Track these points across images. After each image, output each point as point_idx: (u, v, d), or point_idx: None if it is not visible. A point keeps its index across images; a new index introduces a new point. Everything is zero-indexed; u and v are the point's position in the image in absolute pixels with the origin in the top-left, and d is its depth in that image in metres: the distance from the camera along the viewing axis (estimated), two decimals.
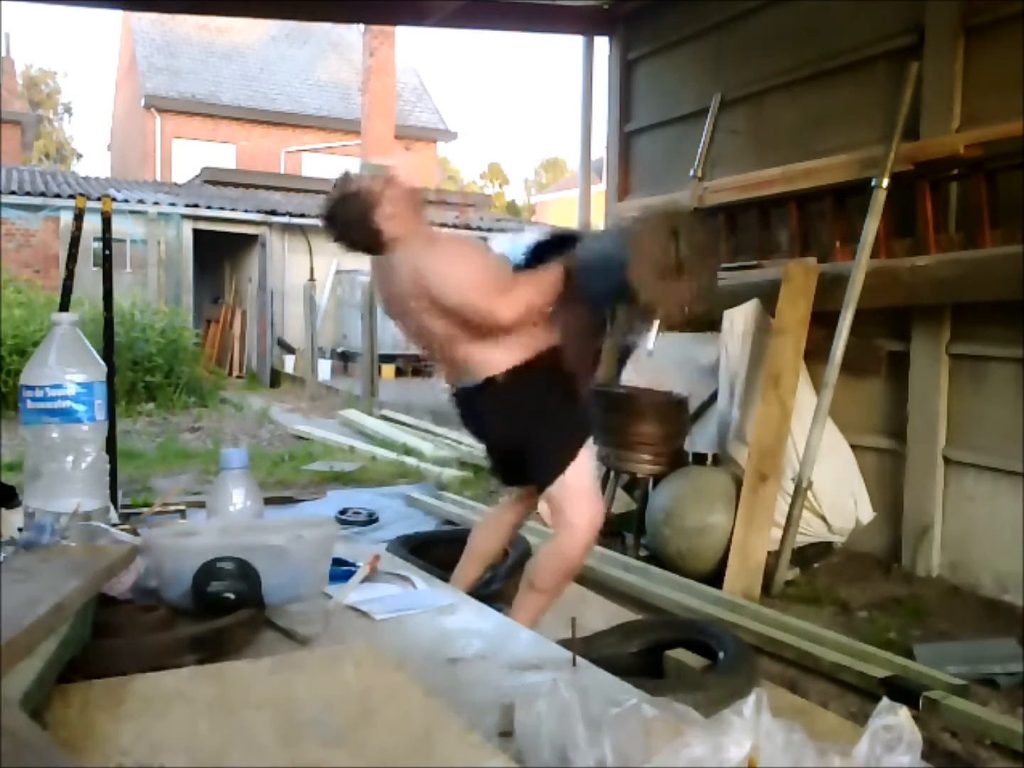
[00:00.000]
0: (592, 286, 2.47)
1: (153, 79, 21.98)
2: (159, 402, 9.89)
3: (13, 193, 12.67)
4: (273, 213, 14.04)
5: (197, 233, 14.05)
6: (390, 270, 2.57)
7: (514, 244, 2.72)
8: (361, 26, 17.40)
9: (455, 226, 13.74)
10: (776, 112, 4.72)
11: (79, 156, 39.49)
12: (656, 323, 2.69)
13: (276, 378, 13.37)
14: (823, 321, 3.89)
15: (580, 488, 2.57)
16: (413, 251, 2.48)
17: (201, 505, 4.19)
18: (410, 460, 6.66)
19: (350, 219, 2.48)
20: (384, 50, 17.31)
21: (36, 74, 37.58)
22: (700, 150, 4.80)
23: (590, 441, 2.64)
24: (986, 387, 3.72)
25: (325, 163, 22.27)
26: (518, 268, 2.59)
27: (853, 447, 4.10)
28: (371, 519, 4.91)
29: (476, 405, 2.62)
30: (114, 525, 1.34)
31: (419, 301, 2.47)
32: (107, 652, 0.94)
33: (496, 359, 2.48)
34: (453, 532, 4.13)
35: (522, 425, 2.54)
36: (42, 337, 1.47)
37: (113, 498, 3.20)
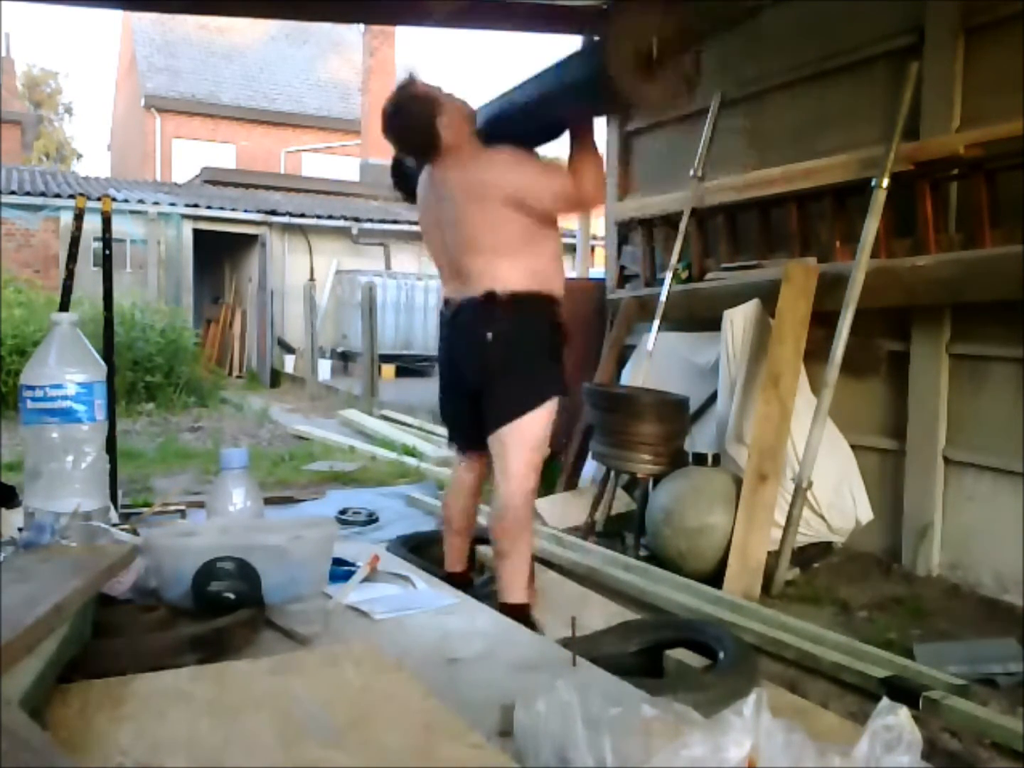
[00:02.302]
0: (576, 103, 2.49)
1: (153, 79, 22.01)
2: (159, 402, 9.89)
3: (13, 193, 12.69)
4: (273, 213, 14.05)
5: (197, 233, 14.06)
6: (440, 179, 2.61)
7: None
8: (361, 26, 17.43)
9: None
10: (776, 112, 4.72)
11: (79, 156, 39.43)
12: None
13: (276, 378, 13.38)
14: (823, 321, 3.89)
15: (531, 439, 2.55)
16: (476, 159, 2.54)
17: (201, 505, 4.20)
18: (410, 460, 6.66)
19: (414, 122, 2.56)
20: (384, 50, 17.36)
21: (37, 74, 37.54)
22: (700, 150, 4.80)
23: (555, 403, 2.58)
24: (986, 387, 3.72)
25: (325, 163, 22.30)
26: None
27: (853, 447, 4.10)
28: (371, 519, 4.91)
29: (466, 319, 2.57)
30: (114, 525, 1.34)
31: (482, 204, 2.49)
32: (107, 652, 0.94)
33: (505, 277, 2.49)
34: None
35: (500, 351, 2.51)
36: (42, 337, 1.47)
37: (113, 498, 3.20)
